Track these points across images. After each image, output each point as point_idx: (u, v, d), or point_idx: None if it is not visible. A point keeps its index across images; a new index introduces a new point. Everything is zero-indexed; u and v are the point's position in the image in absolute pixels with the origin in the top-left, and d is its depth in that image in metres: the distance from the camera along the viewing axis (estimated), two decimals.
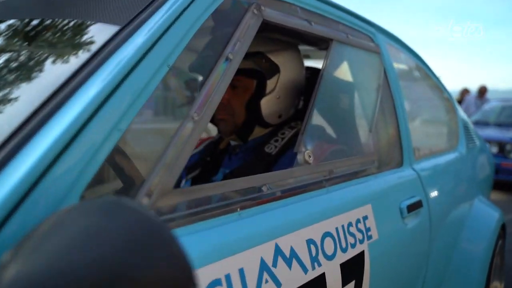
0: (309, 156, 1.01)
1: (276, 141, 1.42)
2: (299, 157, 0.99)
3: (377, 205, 1.20)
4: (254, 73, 1.35)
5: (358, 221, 1.09)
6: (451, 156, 2.12)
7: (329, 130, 1.45)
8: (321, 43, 1.48)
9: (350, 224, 1.06)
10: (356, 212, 1.10)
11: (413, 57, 2.04)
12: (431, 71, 2.24)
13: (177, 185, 1.67)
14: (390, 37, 1.78)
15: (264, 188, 0.85)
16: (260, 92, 1.36)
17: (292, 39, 1.41)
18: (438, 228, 1.64)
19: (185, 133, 0.74)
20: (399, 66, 1.79)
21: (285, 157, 1.37)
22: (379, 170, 1.35)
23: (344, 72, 1.43)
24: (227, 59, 0.86)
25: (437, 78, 2.31)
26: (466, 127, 2.59)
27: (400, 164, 1.52)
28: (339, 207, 1.06)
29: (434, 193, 1.63)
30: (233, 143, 1.51)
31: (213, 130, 2.07)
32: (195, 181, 1.53)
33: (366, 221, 1.13)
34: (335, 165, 1.12)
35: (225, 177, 1.40)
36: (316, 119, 1.22)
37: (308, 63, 1.69)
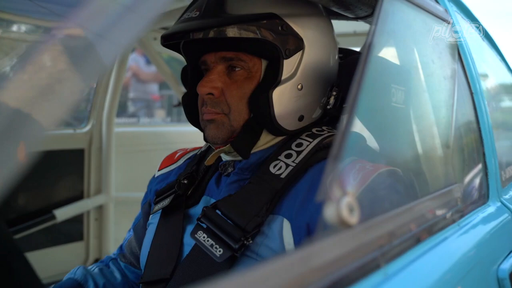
0: (350, 210, 0.47)
1: (289, 156, 0.89)
2: (330, 212, 0.45)
3: (468, 284, 0.65)
4: (264, 48, 0.85)
5: None
6: None
7: (372, 141, 0.91)
8: (362, 6, 0.94)
9: None
10: None
11: (485, 40, 1.47)
12: (504, 60, 1.65)
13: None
14: (461, 7, 1.22)
15: None
16: (272, 78, 0.86)
17: None
18: None
19: None
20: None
21: (300, 184, 0.85)
22: (461, 214, 0.79)
23: (399, 49, 0.89)
24: None
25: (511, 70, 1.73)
26: None
27: (485, 197, 0.95)
28: None
29: None
30: (226, 158, 0.98)
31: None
32: (166, 214, 1.01)
33: None
34: (399, 219, 0.56)
35: (204, 214, 0.86)
36: (356, 125, 0.69)
37: None
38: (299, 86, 0.87)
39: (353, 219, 0.46)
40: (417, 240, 0.61)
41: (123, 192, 2.24)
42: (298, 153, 0.87)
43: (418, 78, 0.91)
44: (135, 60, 5.11)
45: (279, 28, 0.84)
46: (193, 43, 0.92)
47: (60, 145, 2.05)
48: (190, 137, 2.43)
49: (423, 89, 0.90)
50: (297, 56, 0.87)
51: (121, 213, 2.26)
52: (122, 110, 6.32)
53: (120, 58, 2.06)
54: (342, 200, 0.46)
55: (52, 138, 2.05)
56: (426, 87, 0.91)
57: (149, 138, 2.48)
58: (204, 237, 0.82)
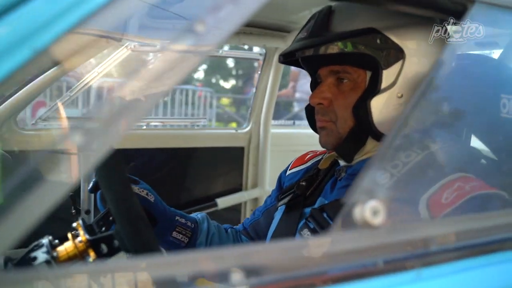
0: (374, 213, 0.53)
1: (395, 166, 0.93)
2: (356, 213, 0.53)
3: None
4: (365, 60, 0.93)
5: None
6: None
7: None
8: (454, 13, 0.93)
9: None
10: None
11: None
12: None
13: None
14: None
15: None
16: (374, 87, 0.94)
17: (413, 8, 0.90)
18: None
19: None
20: None
21: None
22: None
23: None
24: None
25: None
26: None
27: None
28: None
29: None
30: (341, 163, 1.08)
31: None
32: (288, 211, 1.16)
33: None
34: (444, 225, 0.59)
35: (311, 215, 0.99)
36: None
37: None
38: (398, 95, 0.92)
39: (377, 221, 0.53)
40: (475, 251, 0.61)
41: None
42: (405, 164, 0.91)
43: None
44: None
45: (377, 41, 0.90)
46: (308, 59, 1.05)
47: (224, 143, 2.39)
48: None
49: None
50: (397, 66, 0.91)
51: None
52: (288, 111, 6.65)
53: (275, 66, 2.29)
54: (367, 203, 0.53)
55: (218, 137, 2.41)
56: None
57: (302, 139, 2.66)
58: (307, 235, 0.95)
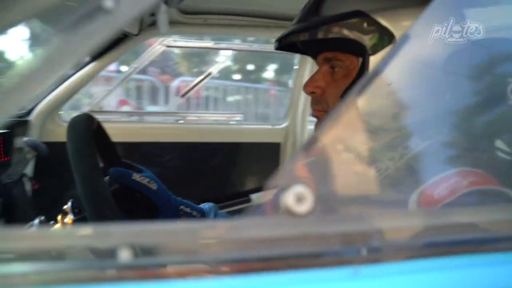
0: (299, 200, 0.48)
1: (390, 159, 0.87)
2: (282, 199, 0.48)
3: None
4: (354, 46, 0.86)
5: None
6: None
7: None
8: None
9: None
10: None
11: None
12: None
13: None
14: None
15: None
16: (360, 75, 0.87)
17: None
18: None
19: None
20: None
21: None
22: None
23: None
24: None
25: None
26: None
27: None
28: None
29: None
30: None
31: None
32: None
33: None
34: (390, 219, 0.52)
35: None
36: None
37: None
38: (388, 83, 0.84)
39: (301, 208, 0.48)
40: (441, 251, 0.53)
41: None
42: (402, 155, 0.84)
43: None
44: None
45: (364, 24, 0.83)
46: (305, 47, 0.99)
47: (261, 138, 2.37)
48: None
49: None
50: (386, 51, 0.83)
51: None
52: None
53: (312, 60, 2.22)
54: (291, 188, 0.48)
55: (254, 132, 2.39)
56: None
57: None
58: None
